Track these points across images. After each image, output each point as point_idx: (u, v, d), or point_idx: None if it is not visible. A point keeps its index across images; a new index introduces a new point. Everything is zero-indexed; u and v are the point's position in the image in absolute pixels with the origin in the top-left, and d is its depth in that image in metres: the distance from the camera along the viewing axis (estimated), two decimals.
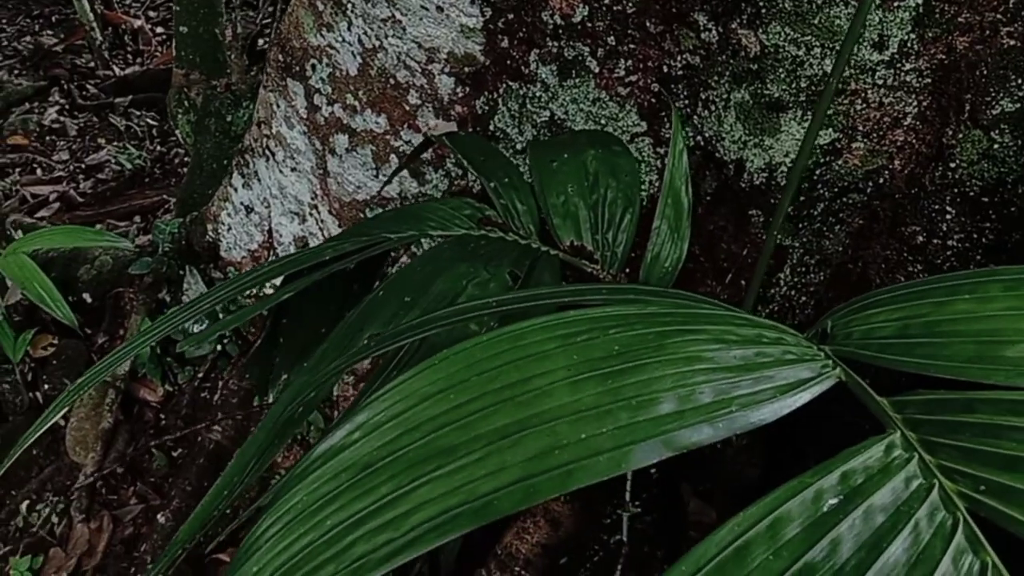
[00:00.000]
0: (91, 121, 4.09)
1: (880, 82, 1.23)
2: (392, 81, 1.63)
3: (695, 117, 1.41)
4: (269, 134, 1.93)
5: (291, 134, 1.86)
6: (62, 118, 4.08)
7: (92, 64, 4.52)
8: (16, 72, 4.45)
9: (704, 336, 0.65)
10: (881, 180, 1.35)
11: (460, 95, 1.59)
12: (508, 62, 1.51)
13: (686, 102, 1.41)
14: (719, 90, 1.35)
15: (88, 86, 4.34)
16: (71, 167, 3.79)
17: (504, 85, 1.53)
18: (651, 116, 1.45)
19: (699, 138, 1.42)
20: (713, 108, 1.37)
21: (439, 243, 1.06)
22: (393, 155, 1.71)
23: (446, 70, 1.57)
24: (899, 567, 0.45)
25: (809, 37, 1.22)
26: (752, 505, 0.49)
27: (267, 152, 1.96)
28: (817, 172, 1.34)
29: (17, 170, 3.76)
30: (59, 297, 2.14)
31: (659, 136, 1.46)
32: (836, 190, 1.36)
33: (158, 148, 3.80)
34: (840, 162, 1.33)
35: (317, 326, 1.20)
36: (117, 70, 4.48)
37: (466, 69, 1.56)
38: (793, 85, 1.27)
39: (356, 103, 1.70)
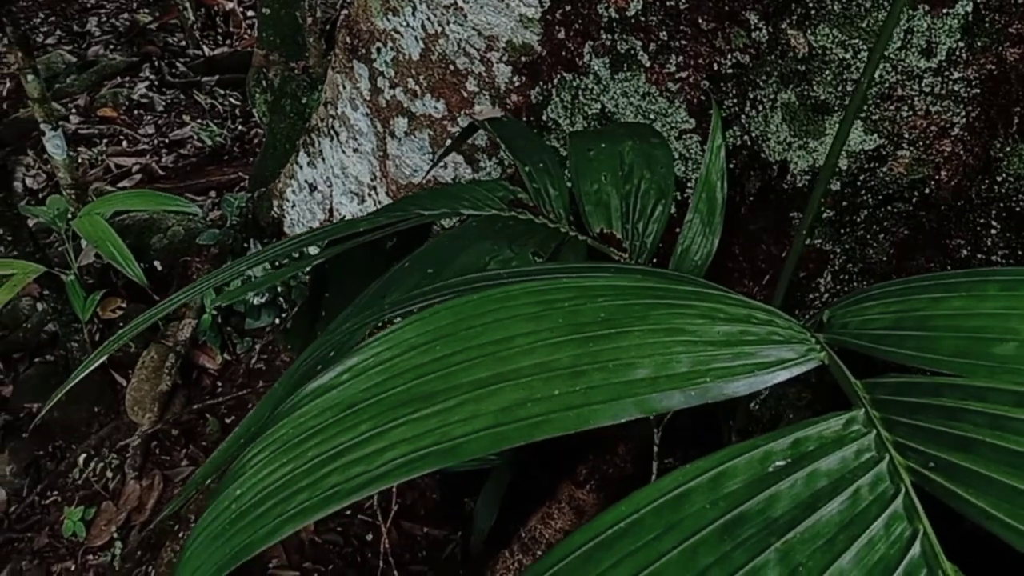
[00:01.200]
0: (178, 98, 4.24)
1: (927, 90, 1.22)
2: (452, 67, 1.68)
3: (743, 116, 1.42)
4: (334, 115, 1.99)
5: (355, 115, 1.92)
6: (151, 94, 4.24)
7: (183, 43, 4.69)
8: (111, 47, 4.64)
9: (691, 311, 0.67)
10: (927, 190, 1.33)
11: (516, 84, 1.63)
12: (563, 53, 1.54)
13: (734, 101, 1.42)
14: (767, 90, 1.36)
15: (178, 64, 4.50)
16: (155, 141, 3.94)
17: (558, 76, 1.56)
18: (700, 113, 1.46)
19: (746, 137, 1.43)
20: (760, 108, 1.38)
21: (469, 220, 1.09)
22: (449, 140, 1.75)
23: (504, 59, 1.61)
24: (831, 526, 0.47)
25: (856, 40, 1.22)
26: (702, 459, 0.51)
27: (332, 132, 2.02)
28: (861, 178, 1.33)
29: (104, 141, 3.92)
30: (130, 256, 2.24)
31: (707, 133, 1.47)
32: (880, 198, 1.36)
33: (239, 127, 3.92)
34: (884, 169, 1.32)
35: (355, 297, 1.25)
36: (206, 50, 4.64)
37: (523, 59, 1.59)
38: (839, 88, 1.27)
39: (417, 88, 1.74)
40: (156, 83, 4.33)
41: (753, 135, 1.41)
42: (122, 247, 2.24)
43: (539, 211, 1.13)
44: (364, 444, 0.56)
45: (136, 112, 4.16)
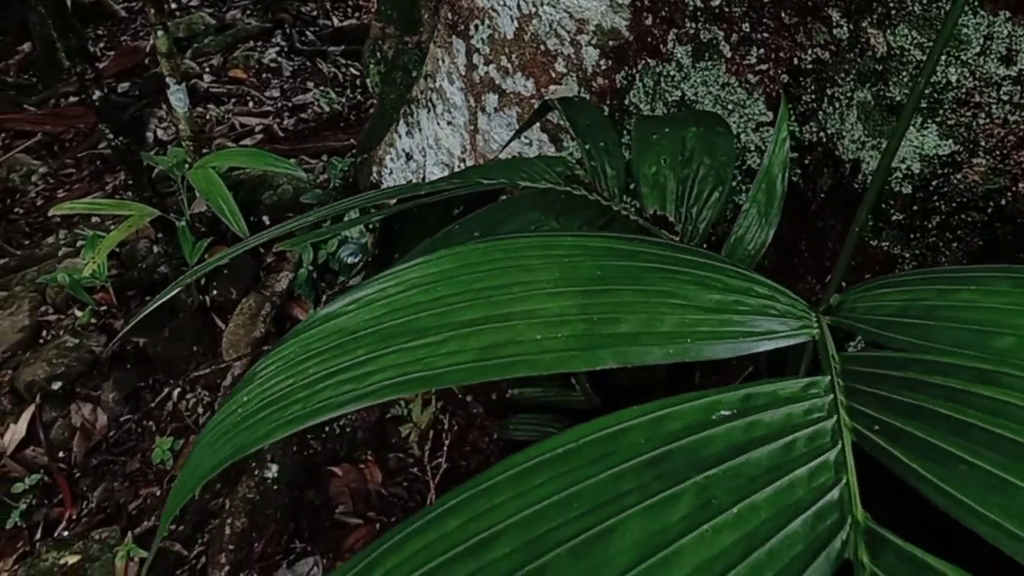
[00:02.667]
0: (304, 65, 4.42)
1: (1006, 98, 1.20)
2: (543, 48, 1.72)
3: (820, 113, 1.42)
4: (433, 87, 2.07)
5: (451, 89, 1.99)
6: (279, 59, 4.43)
7: (315, 13, 4.88)
8: (248, 12, 4.87)
9: (686, 278, 0.71)
10: (1003, 201, 1.31)
11: (603, 68, 1.66)
12: (649, 39, 1.56)
13: (812, 96, 1.42)
14: (844, 88, 1.35)
15: (307, 32, 4.69)
16: (279, 104, 4.13)
17: (643, 61, 1.59)
18: (778, 107, 1.47)
19: (822, 134, 1.43)
20: (837, 105, 1.38)
21: (524, 191, 1.14)
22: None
23: (592, 42, 1.65)
24: (756, 468, 0.50)
25: (933, 44, 1.20)
26: (651, 403, 0.55)
27: (429, 104, 2.10)
28: (934, 183, 1.32)
29: (232, 100, 4.13)
30: (235, 209, 2.37)
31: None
32: (954, 205, 1.34)
33: (357, 96, 4.06)
34: (959, 176, 1.30)
35: None
36: (335, 20, 4.81)
37: (610, 43, 1.62)
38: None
39: (508, 65, 1.80)
40: (286, 49, 4.52)
41: (829, 132, 1.41)
42: (229, 200, 2.38)
43: (594, 188, 1.17)
44: (358, 367, 0.62)
45: (264, 75, 4.36)
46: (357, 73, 4.28)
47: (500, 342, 0.62)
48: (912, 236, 1.40)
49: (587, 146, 1.19)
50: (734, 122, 1.51)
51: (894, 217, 1.37)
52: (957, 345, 0.67)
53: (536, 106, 1.80)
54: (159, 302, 1.23)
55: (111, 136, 2.36)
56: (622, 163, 1.20)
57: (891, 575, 0.44)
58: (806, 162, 1.48)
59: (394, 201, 1.29)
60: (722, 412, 0.54)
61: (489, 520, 0.47)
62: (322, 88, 4.15)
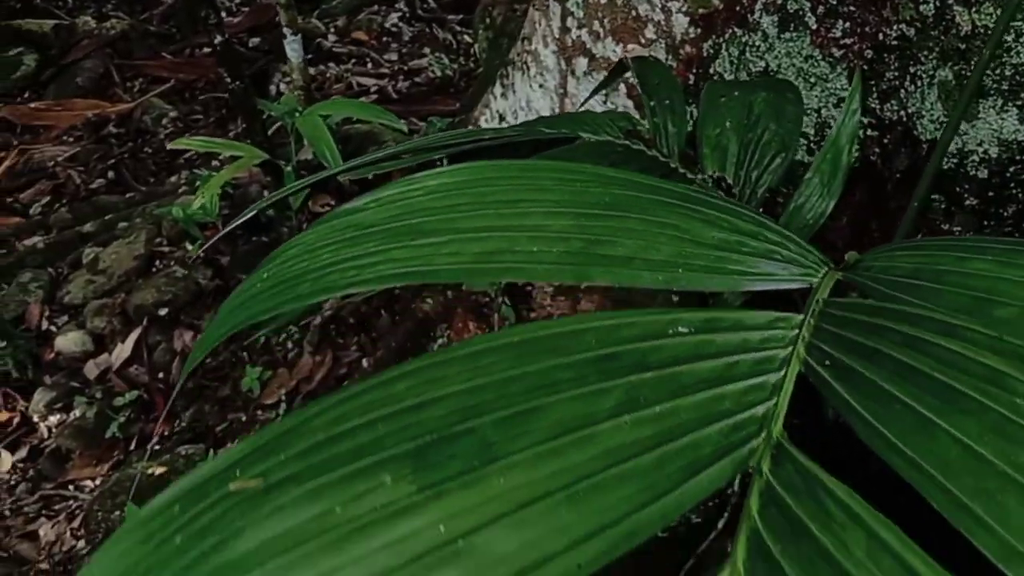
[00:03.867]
0: (423, 31, 4.52)
1: None
2: (634, 13, 1.74)
3: (902, 91, 1.39)
4: (529, 50, 2.11)
5: (545, 52, 2.03)
6: (400, 24, 4.55)
7: None
8: None
9: (695, 215, 0.73)
10: None
11: (691, 36, 1.66)
12: (737, 8, 1.56)
13: (895, 74, 1.39)
14: (927, 66, 1.32)
15: (429, 0, 4.78)
16: (396, 67, 4.24)
17: (730, 31, 1.59)
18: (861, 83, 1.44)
19: (902, 113, 1.40)
20: (919, 84, 1.35)
21: (582, 142, 1.17)
22: (622, 84, 1.82)
23: (683, 9, 1.65)
24: (692, 377, 0.52)
25: (1020, 23, 1.17)
26: (613, 311, 0.58)
27: (524, 66, 2.14)
28: (1012, 169, 1.28)
29: (352, 61, 4.27)
30: (339, 157, 2.48)
31: (866, 105, 1.45)
32: None
33: (469, 64, 4.14)
34: None
35: None
36: None
37: (700, 11, 1.62)
38: (997, 71, 1.22)
39: (600, 30, 1.82)
40: (407, 15, 4.63)
41: (909, 111, 1.38)
42: (333, 147, 2.48)
43: (653, 145, 1.19)
44: (365, 257, 0.67)
45: (384, 39, 4.48)
46: (471, 41, 4.35)
47: (498, 250, 0.66)
48: (985, 223, 1.36)
49: (652, 103, 1.21)
50: (815, 96, 1.49)
51: (967, 202, 1.34)
52: (958, 310, 0.67)
53: (635, 81, 1.81)
54: (242, 219, 1.31)
55: (229, 80, 2.49)
56: (685, 122, 1.21)
57: (784, 484, 0.46)
58: (885, 141, 1.45)
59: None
60: (680, 328, 0.57)
61: (434, 388, 0.51)
62: (437, 54, 4.24)
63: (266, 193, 3.16)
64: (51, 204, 3.70)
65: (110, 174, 3.89)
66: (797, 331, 0.60)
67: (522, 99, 2.18)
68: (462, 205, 0.70)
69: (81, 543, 2.23)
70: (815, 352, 0.57)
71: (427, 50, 4.33)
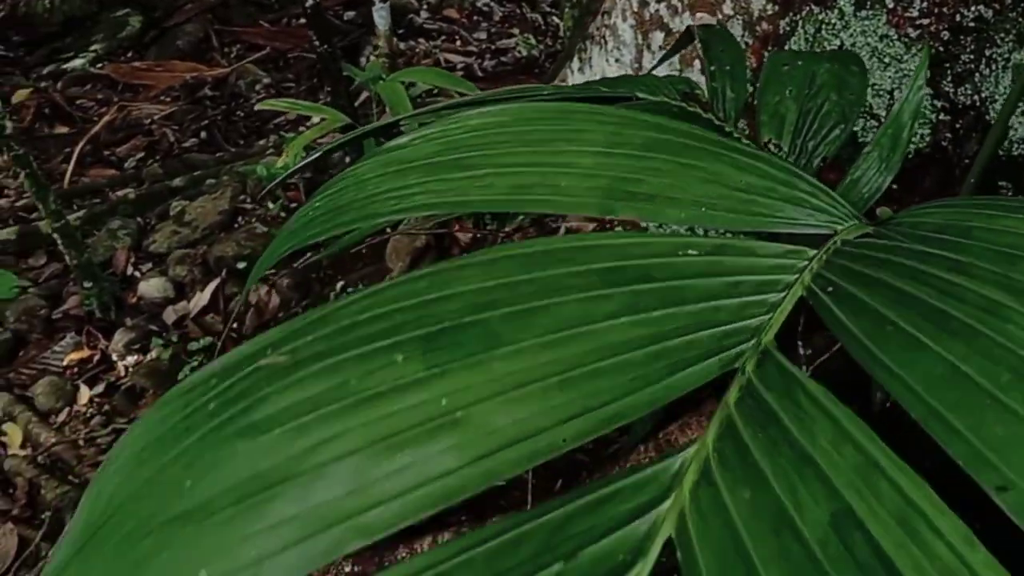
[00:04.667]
0: (514, 12, 4.57)
1: None
2: None
3: (977, 75, 1.37)
4: (607, 24, 2.13)
5: (623, 26, 2.04)
6: (492, 3, 4.60)
7: None
8: None
9: (727, 161, 0.75)
10: None
11: (768, 13, 1.66)
12: None
13: (971, 57, 1.37)
14: (1002, 49, 1.31)
15: None
16: (483, 46, 4.29)
17: (807, 8, 1.58)
18: (936, 65, 1.43)
19: (975, 97, 1.38)
20: (994, 67, 1.33)
21: (637, 102, 1.19)
22: (697, 60, 1.82)
23: None
24: (694, 292, 0.54)
25: None
26: (628, 233, 0.61)
27: (602, 40, 2.16)
28: None
29: (441, 37, 4.34)
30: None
31: (939, 89, 1.44)
32: None
33: (556, 45, 4.17)
34: None
35: None
36: None
37: None
38: None
39: (678, 4, 1.83)
40: None
41: (982, 95, 1.36)
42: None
43: (710, 108, 1.21)
44: (405, 188, 0.72)
45: (475, 18, 4.53)
46: (559, 23, 4.37)
47: (530, 184, 0.69)
48: None
49: (712, 67, 1.22)
50: (888, 77, 1.48)
51: None
52: (984, 282, 0.68)
53: (698, 47, 1.82)
54: (303, 164, 1.37)
55: (318, 43, 2.57)
56: (744, 89, 1.23)
57: (763, 381, 0.48)
58: (957, 126, 1.44)
59: None
60: (689, 251, 0.59)
61: (451, 285, 0.55)
62: (525, 35, 4.28)
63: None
64: (145, 159, 3.87)
65: (202, 134, 4.04)
66: (807, 263, 0.62)
67: (598, 73, 2.20)
68: (500, 143, 0.74)
69: None
70: (820, 280, 0.59)
71: (516, 30, 4.37)
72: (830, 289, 0.58)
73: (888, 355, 0.51)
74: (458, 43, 4.33)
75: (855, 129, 1.52)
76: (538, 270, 0.56)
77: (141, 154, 3.93)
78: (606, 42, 2.13)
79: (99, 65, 4.49)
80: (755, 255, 0.61)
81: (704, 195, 0.70)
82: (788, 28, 1.62)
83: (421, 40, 4.31)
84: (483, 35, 4.41)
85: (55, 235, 2.58)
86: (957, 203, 0.79)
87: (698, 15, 1.78)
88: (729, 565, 0.40)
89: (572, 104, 0.77)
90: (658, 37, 1.90)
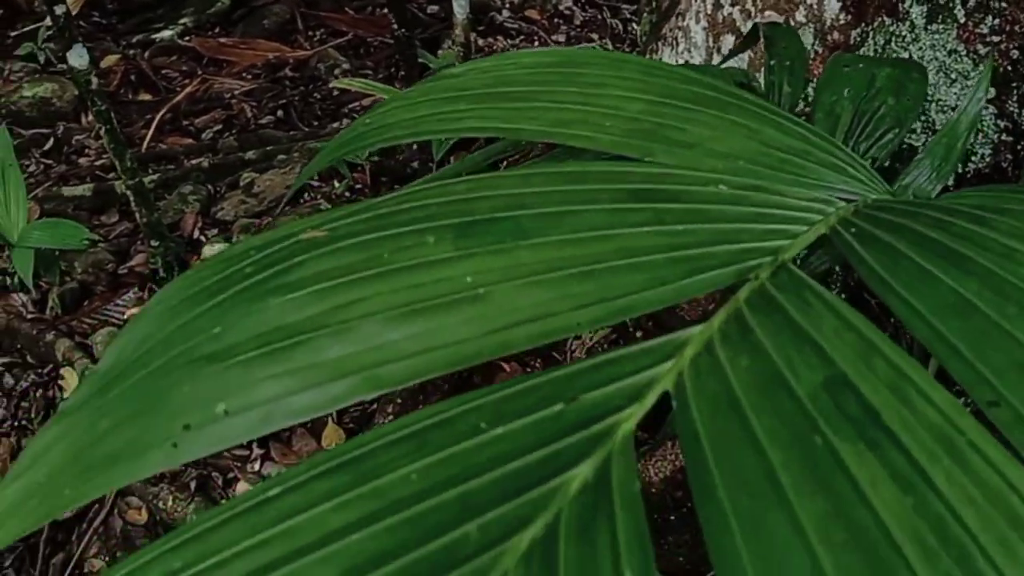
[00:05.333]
0: (595, 17, 4.61)
1: None
2: None
3: None
4: (680, 26, 2.15)
5: (695, 28, 2.07)
6: (574, 7, 4.65)
7: None
8: None
9: (769, 121, 0.77)
10: None
11: (841, 22, 1.68)
12: None
13: None
14: None
15: None
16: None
17: (879, 19, 1.59)
18: (1002, 84, 1.43)
19: None
20: None
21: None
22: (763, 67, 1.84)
23: None
24: (715, 215, 0.57)
25: None
26: (663, 165, 0.63)
27: (674, 42, 2.19)
28: None
29: (520, 37, 4.40)
30: None
31: (1003, 109, 1.43)
32: None
33: (634, 52, 4.20)
34: None
35: None
36: None
37: None
38: None
39: (752, 8, 1.85)
40: (583, 1, 4.72)
41: None
42: None
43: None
44: (454, 112, 0.76)
45: (556, 20, 4.59)
46: (638, 31, 4.41)
47: (572, 120, 0.73)
48: None
49: (772, 62, 1.24)
50: (954, 93, 1.49)
51: None
52: (1008, 235, 0.69)
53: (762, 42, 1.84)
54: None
55: (396, 26, 2.64)
56: (801, 86, 1.24)
57: (774, 284, 0.51)
58: (1018, 147, 1.43)
59: None
60: (721, 186, 0.62)
61: (487, 188, 0.59)
62: (603, 40, 4.32)
63: (414, 146, 3.31)
64: (222, 132, 3.98)
65: (279, 112, 4.15)
66: (835, 210, 0.64)
67: None
68: (550, 81, 0.78)
69: None
70: (844, 223, 0.61)
71: (595, 35, 4.41)
72: (853, 230, 0.60)
73: (901, 283, 0.53)
74: (536, 44, 4.39)
75: (916, 144, 1.52)
76: (572, 184, 0.59)
77: (219, 126, 4.05)
78: (677, 43, 2.16)
79: (187, 38, 4.63)
80: (786, 195, 0.63)
81: (743, 149, 0.73)
82: (859, 38, 1.63)
83: (500, 38, 4.38)
84: (562, 38, 4.45)
85: (128, 193, 2.67)
86: (995, 188, 0.80)
87: (770, 18, 1.80)
88: (721, 413, 0.42)
89: (625, 55, 0.80)
90: (729, 40, 1.92)
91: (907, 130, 1.23)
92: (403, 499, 0.42)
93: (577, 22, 4.56)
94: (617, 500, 0.39)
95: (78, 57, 2.30)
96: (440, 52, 4.27)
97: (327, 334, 0.51)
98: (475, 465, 0.43)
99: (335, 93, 4.33)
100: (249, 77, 4.44)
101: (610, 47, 4.17)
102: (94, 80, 2.38)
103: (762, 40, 1.33)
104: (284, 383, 0.50)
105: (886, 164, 1.37)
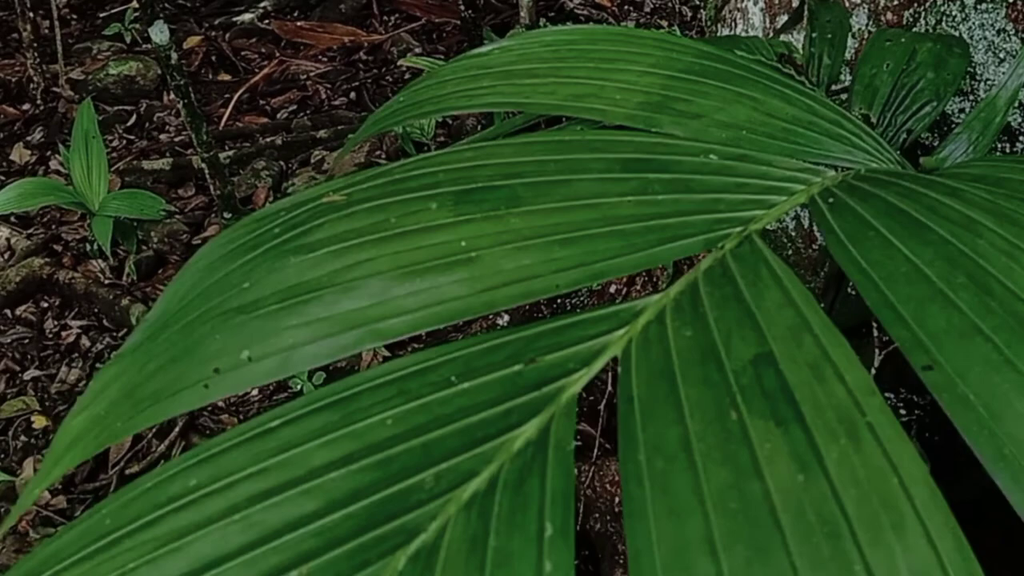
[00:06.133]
0: (665, 4, 4.60)
1: None
2: None
3: None
4: (739, 7, 2.16)
5: (753, 9, 2.07)
6: None
7: None
8: None
9: (775, 93, 0.80)
10: None
11: (894, 3, 1.67)
12: None
13: None
14: None
15: None
16: None
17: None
18: None
19: None
20: None
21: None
22: (804, 40, 1.84)
23: None
24: (703, 186, 0.61)
25: None
26: (656, 134, 0.68)
27: (732, 23, 2.20)
28: None
29: (589, 23, 4.41)
30: None
31: None
32: None
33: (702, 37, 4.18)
34: None
35: None
36: None
37: None
38: None
39: None
40: None
41: None
42: None
43: (803, 72, 1.25)
44: (478, 89, 0.81)
45: (626, 7, 4.59)
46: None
47: (586, 94, 0.77)
48: None
49: (814, 34, 1.26)
50: (1003, 72, 1.47)
51: None
52: (973, 206, 0.71)
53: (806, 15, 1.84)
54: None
55: (463, 6, 2.70)
56: (841, 58, 1.26)
57: (734, 255, 0.55)
58: None
59: None
60: (711, 156, 0.66)
61: (491, 156, 0.64)
62: (672, 26, 4.30)
63: (480, 128, 3.37)
64: (296, 112, 4.11)
65: (352, 95, 4.26)
66: (820, 180, 0.67)
67: None
68: (568, 58, 0.82)
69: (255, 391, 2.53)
70: (825, 193, 0.64)
71: (664, 23, 4.40)
72: (831, 200, 0.63)
73: (862, 254, 0.56)
74: None
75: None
76: (566, 153, 0.64)
77: (293, 107, 4.18)
78: (736, 24, 2.16)
79: (266, 21, 4.78)
80: (773, 165, 0.67)
81: (747, 120, 0.76)
82: (911, 19, 1.63)
83: (569, 24, 4.40)
84: (631, 24, 4.46)
85: (204, 166, 2.80)
86: (999, 159, 0.82)
87: None
88: (656, 381, 0.47)
89: (641, 31, 0.84)
90: (784, 20, 1.92)
91: (945, 103, 1.24)
92: (378, 443, 0.47)
93: (647, 9, 4.56)
94: (552, 457, 0.44)
95: (159, 33, 2.41)
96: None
97: (338, 290, 0.58)
98: (443, 416, 0.48)
99: (407, 76, 4.42)
100: (325, 60, 4.56)
101: (678, 33, 4.15)
102: (173, 56, 2.50)
103: (806, 10, 1.35)
104: (300, 334, 0.56)
105: (924, 138, 1.37)
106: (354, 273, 0.58)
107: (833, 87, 1.29)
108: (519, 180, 0.61)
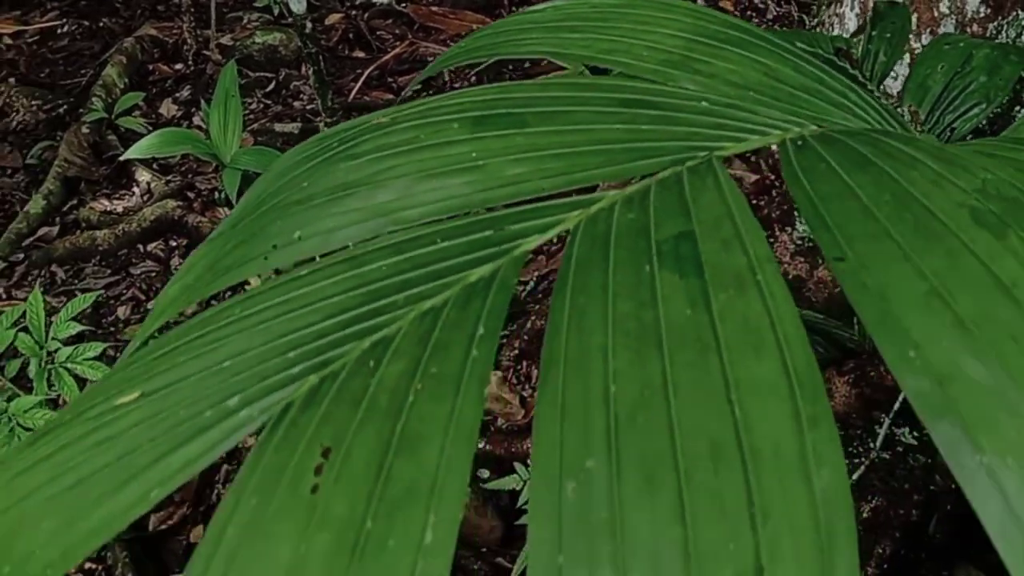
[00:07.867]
0: (788, 13, 4.60)
1: None
2: None
3: None
4: (837, 13, 2.22)
5: (849, 15, 2.13)
6: (769, 1, 4.66)
7: None
8: None
9: (788, 63, 0.90)
10: None
11: (981, 15, 1.71)
12: None
13: None
14: None
15: None
16: None
17: (1015, 13, 1.62)
18: None
19: None
20: None
21: None
22: (907, 54, 1.89)
23: None
24: (685, 122, 0.73)
25: None
26: (654, 83, 0.79)
27: (830, 27, 2.25)
28: None
29: None
30: None
31: None
32: None
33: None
34: None
35: None
36: None
37: None
38: None
39: None
40: None
41: None
42: None
43: (858, 67, 1.32)
44: (526, 39, 0.95)
45: (748, 13, 4.62)
46: (782, 10, 4.40)
47: (617, 49, 0.89)
48: None
49: (873, 32, 1.34)
50: None
51: None
52: (928, 154, 0.79)
53: (911, 43, 1.88)
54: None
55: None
56: (898, 57, 1.33)
57: (690, 171, 0.66)
58: None
59: None
60: (703, 103, 0.77)
61: (512, 92, 0.77)
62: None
63: None
64: (420, 91, 4.32)
65: (473, 78, 4.45)
66: (800, 130, 0.77)
67: None
68: (610, 18, 0.94)
69: None
70: (798, 137, 0.74)
71: (755, 20, 4.42)
72: (799, 143, 0.73)
73: (820, 198, 0.66)
74: None
75: None
76: (573, 92, 0.77)
77: (418, 86, 4.39)
78: (832, 28, 2.22)
79: (402, 4, 5.02)
80: (756, 115, 0.78)
81: (757, 83, 0.86)
82: (995, 32, 1.67)
83: None
84: None
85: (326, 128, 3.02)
86: (997, 139, 0.90)
87: (915, 10, 1.85)
88: (594, 245, 0.59)
89: (676, 1, 0.95)
90: None
91: (995, 106, 1.30)
92: (371, 280, 0.62)
93: (769, 16, 4.58)
94: (495, 288, 0.57)
95: (297, 3, 2.63)
96: None
97: (372, 187, 0.72)
98: (422, 263, 0.62)
99: (526, 65, 4.57)
100: (451, 43, 4.76)
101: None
102: (308, 25, 2.71)
103: (870, 11, 1.42)
104: (339, 220, 0.72)
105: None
106: (387, 175, 0.72)
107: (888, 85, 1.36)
108: (530, 109, 0.74)
